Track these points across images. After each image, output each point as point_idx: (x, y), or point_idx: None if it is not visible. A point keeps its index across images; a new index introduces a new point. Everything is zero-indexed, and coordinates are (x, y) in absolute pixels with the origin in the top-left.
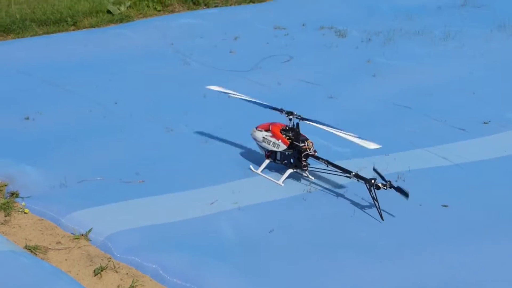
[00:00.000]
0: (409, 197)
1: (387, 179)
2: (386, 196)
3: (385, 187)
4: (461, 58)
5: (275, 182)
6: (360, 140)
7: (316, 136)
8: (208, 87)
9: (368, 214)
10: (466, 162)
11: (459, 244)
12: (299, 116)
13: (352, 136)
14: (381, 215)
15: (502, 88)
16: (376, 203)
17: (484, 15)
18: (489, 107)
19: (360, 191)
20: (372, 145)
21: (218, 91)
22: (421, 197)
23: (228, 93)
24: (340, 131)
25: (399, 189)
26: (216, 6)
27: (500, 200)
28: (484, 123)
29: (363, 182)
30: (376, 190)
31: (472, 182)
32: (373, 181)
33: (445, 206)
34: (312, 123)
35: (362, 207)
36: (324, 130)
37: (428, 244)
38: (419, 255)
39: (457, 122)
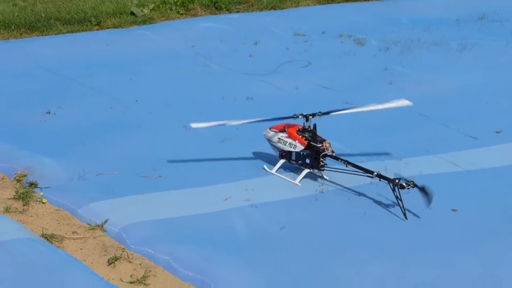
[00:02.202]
0: (430, 205)
1: (412, 180)
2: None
3: (408, 187)
4: (476, 69)
5: (291, 181)
6: (388, 104)
7: (330, 139)
8: (193, 125)
9: (378, 214)
10: (476, 169)
11: (468, 247)
12: (320, 112)
13: (376, 105)
14: (405, 214)
15: None
16: (400, 202)
17: (501, 28)
18: (502, 117)
19: (370, 192)
20: (402, 103)
21: (205, 127)
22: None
23: (218, 125)
24: (362, 107)
25: (422, 190)
26: (238, 12)
27: (509, 206)
28: (496, 132)
29: (386, 182)
30: (400, 190)
31: (481, 189)
32: (397, 181)
33: (454, 210)
34: (336, 113)
35: (372, 208)
36: (351, 112)
37: (437, 246)
38: (429, 256)
39: (469, 131)
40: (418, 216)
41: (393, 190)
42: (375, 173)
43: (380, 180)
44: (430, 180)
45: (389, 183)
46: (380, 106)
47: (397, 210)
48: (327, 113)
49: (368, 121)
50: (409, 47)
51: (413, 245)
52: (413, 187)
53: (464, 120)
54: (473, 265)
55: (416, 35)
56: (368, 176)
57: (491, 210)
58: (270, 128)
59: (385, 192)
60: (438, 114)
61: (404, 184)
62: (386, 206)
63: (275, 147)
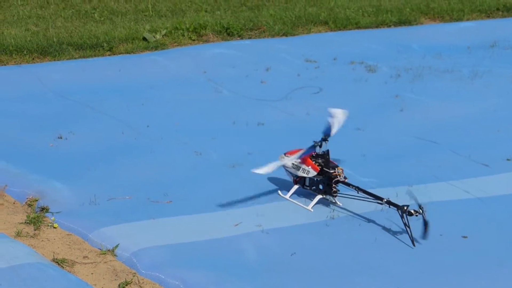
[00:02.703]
0: (425, 238)
1: (421, 206)
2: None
3: (417, 214)
4: (487, 96)
5: (304, 207)
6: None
7: (342, 165)
8: (254, 170)
9: (389, 241)
10: (487, 197)
11: (478, 274)
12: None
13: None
14: (412, 241)
15: None
16: (408, 229)
17: None
18: None
19: (381, 218)
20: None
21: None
22: (442, 228)
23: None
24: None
25: (425, 223)
26: (249, 38)
27: None
28: (507, 160)
29: (395, 208)
30: (408, 217)
31: (492, 216)
32: (405, 208)
33: (464, 237)
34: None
35: (383, 234)
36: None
37: (448, 273)
38: (439, 283)
39: (480, 158)
40: (428, 243)
41: (402, 217)
42: (385, 200)
43: (389, 207)
44: (441, 207)
45: (397, 210)
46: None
47: (407, 237)
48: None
49: (379, 148)
50: (420, 74)
51: (423, 272)
52: (422, 214)
53: (475, 147)
54: None
55: (427, 62)
56: (378, 202)
57: (501, 237)
58: (285, 154)
59: (395, 218)
60: (449, 141)
61: (412, 211)
62: (397, 232)
63: (289, 172)
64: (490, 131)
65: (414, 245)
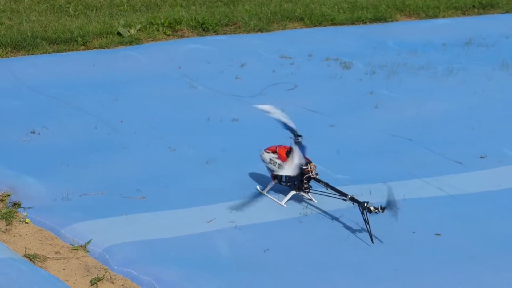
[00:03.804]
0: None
1: (382, 205)
2: (379, 222)
3: (376, 211)
4: (462, 94)
5: (278, 202)
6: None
7: (316, 162)
8: (258, 106)
9: (362, 238)
10: (461, 194)
11: (452, 271)
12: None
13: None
14: (371, 238)
15: (501, 125)
16: (367, 226)
17: (487, 54)
18: (487, 142)
19: (355, 216)
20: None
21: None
22: (415, 225)
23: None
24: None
25: (389, 206)
26: (225, 33)
27: (492, 231)
28: (481, 157)
29: (357, 205)
30: (368, 213)
31: (465, 213)
32: (365, 204)
33: (438, 234)
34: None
35: (356, 231)
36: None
37: (421, 270)
38: (412, 280)
39: (454, 155)
40: (401, 241)
41: (362, 213)
42: (349, 196)
43: (353, 204)
44: (414, 204)
45: (358, 206)
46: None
47: (381, 233)
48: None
49: (354, 145)
50: (395, 71)
51: (397, 269)
52: (382, 212)
53: (449, 145)
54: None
55: (402, 59)
56: (342, 199)
57: (474, 235)
58: (265, 150)
59: (370, 216)
60: (423, 138)
61: (372, 208)
62: (371, 229)
63: (268, 168)
64: (464, 129)
65: (372, 241)
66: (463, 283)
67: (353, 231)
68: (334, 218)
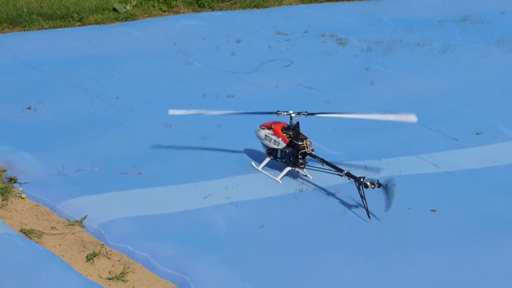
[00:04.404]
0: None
1: (378, 180)
2: (375, 198)
3: (373, 186)
4: (458, 70)
5: (273, 178)
6: (390, 116)
7: (312, 138)
8: (171, 111)
9: (358, 214)
10: (456, 170)
11: (446, 247)
12: (306, 112)
13: (378, 114)
14: (368, 214)
15: (496, 101)
16: (364, 201)
17: (483, 30)
18: (483, 119)
19: (350, 191)
20: (407, 117)
21: (183, 114)
22: (410, 201)
23: (196, 113)
24: (352, 114)
25: (386, 189)
26: (220, 10)
27: (488, 207)
28: (477, 134)
29: (353, 180)
30: (364, 189)
31: (461, 190)
32: (362, 180)
33: (433, 211)
34: (321, 115)
35: (352, 207)
36: (335, 117)
37: (415, 246)
38: (407, 256)
39: (450, 132)
40: (397, 216)
41: (358, 188)
42: (344, 172)
43: (349, 179)
44: (410, 180)
45: (355, 182)
46: (381, 116)
47: (376, 209)
48: (313, 114)
49: (349, 121)
50: (391, 48)
51: (392, 245)
52: (378, 187)
53: (445, 121)
54: (455, 264)
55: (398, 36)
56: (338, 174)
57: (470, 211)
58: (260, 126)
59: (366, 191)
60: (419, 115)
61: (368, 184)
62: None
63: (263, 144)
64: (460, 105)
65: (369, 217)
66: (458, 259)
67: (349, 207)
68: (330, 194)
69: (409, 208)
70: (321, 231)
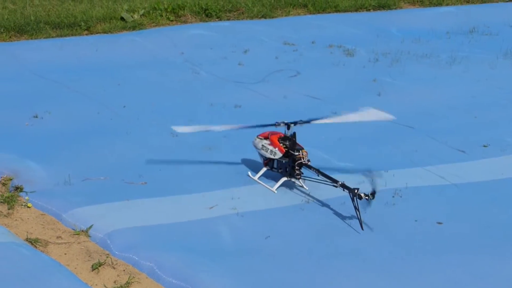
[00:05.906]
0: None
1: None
2: (381, 210)
3: (367, 198)
4: (465, 82)
5: (269, 188)
6: (367, 116)
7: (317, 149)
8: (178, 129)
9: (364, 226)
10: (463, 183)
11: (452, 260)
12: (301, 121)
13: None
14: (361, 225)
15: (504, 113)
16: (357, 212)
17: (491, 42)
18: (490, 131)
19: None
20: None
21: (189, 132)
22: (417, 214)
23: (202, 130)
24: (338, 117)
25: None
26: (228, 19)
27: (495, 221)
28: (484, 146)
29: (348, 191)
30: (358, 200)
31: (468, 202)
32: (356, 191)
33: (439, 223)
34: (316, 121)
35: (357, 219)
36: (331, 122)
37: (421, 258)
38: (412, 268)
39: (457, 144)
40: (403, 229)
41: (352, 199)
42: (340, 183)
43: (344, 190)
44: (416, 193)
45: (349, 193)
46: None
47: (382, 222)
48: (308, 121)
49: (356, 132)
50: (398, 59)
51: (397, 257)
52: (372, 199)
53: (452, 133)
54: (461, 277)
55: (406, 47)
56: (333, 185)
57: (476, 224)
58: (257, 136)
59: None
60: (426, 126)
61: (362, 195)
62: (371, 218)
63: (260, 154)
64: (467, 117)
65: (362, 228)
66: (465, 272)
67: (354, 219)
68: (335, 206)
69: (416, 220)
70: (326, 242)
